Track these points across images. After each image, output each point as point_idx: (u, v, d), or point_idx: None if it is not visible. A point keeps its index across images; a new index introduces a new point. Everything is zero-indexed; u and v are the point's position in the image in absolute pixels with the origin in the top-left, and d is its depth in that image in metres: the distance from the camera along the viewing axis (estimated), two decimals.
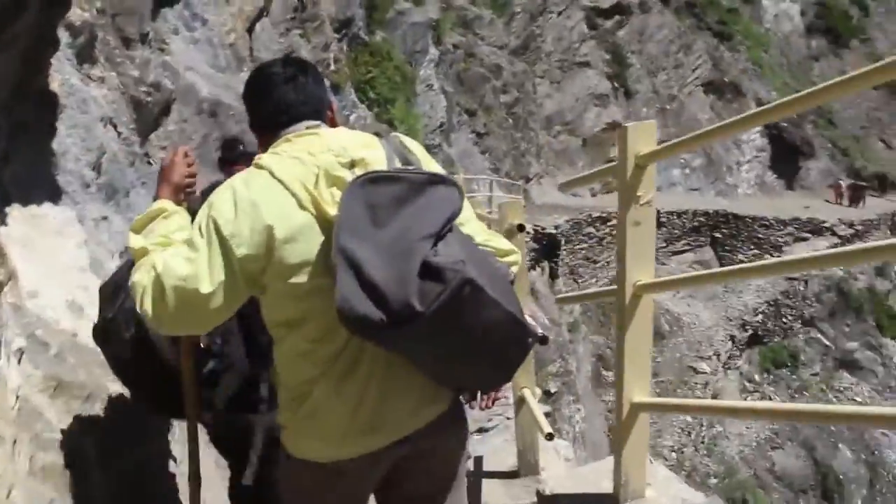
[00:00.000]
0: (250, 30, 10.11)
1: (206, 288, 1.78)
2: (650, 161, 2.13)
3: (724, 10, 34.27)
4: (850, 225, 28.87)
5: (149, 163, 5.07)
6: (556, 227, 22.39)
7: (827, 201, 31.42)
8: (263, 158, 1.90)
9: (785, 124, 32.49)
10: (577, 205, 25.88)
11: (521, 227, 3.12)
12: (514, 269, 2.08)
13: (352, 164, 1.87)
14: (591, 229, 25.47)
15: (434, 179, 1.80)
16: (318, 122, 2.01)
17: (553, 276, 22.03)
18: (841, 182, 31.96)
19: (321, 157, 1.87)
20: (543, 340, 2.41)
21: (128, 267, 2.60)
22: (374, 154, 1.90)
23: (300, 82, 2.02)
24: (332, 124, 2.07)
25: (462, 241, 1.79)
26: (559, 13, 29.33)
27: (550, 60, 29.33)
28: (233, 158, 3.15)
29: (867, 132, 36.51)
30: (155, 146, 5.83)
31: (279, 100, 2.00)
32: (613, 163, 2.21)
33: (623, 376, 2.23)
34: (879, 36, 40.84)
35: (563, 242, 22.89)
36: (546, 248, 20.96)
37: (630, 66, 30.98)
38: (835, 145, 33.91)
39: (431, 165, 1.99)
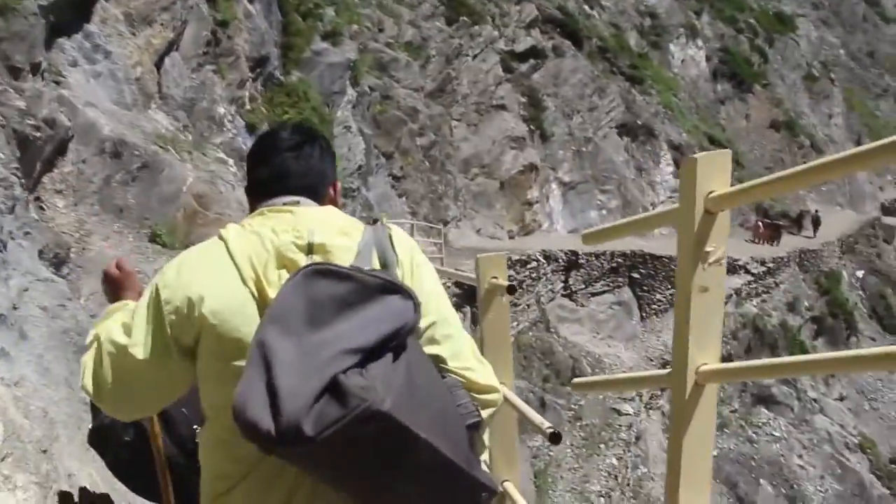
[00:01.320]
0: (159, 64, 9.35)
1: (140, 354, 1.69)
2: (726, 206, 1.60)
3: (635, 55, 35.00)
4: (762, 262, 29.55)
5: (41, 208, 4.33)
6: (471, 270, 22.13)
7: (747, 240, 32.10)
8: (228, 229, 1.77)
9: None
10: (495, 247, 25.67)
11: (510, 290, 2.51)
12: (488, 411, 1.77)
13: (310, 249, 1.72)
14: (510, 272, 25.24)
15: (389, 287, 1.58)
16: (296, 199, 1.84)
17: (475, 321, 21.68)
18: (760, 222, 32.77)
19: (281, 237, 1.72)
20: (554, 438, 2.00)
21: None
22: (341, 242, 1.73)
23: (305, 152, 1.90)
24: (332, 203, 1.92)
25: (410, 364, 1.53)
26: (474, 56, 29.31)
27: (467, 103, 29.22)
28: None
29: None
30: (49, 189, 5.07)
31: (278, 167, 1.88)
32: (674, 206, 1.68)
33: (678, 489, 1.67)
34: (778, 81, 42.53)
35: None
36: (468, 293, 20.58)
37: (546, 108, 31.17)
38: None
39: (417, 271, 1.78)
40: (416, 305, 1.58)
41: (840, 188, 39.55)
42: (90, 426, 2.78)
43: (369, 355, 1.47)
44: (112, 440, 2.65)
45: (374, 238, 1.74)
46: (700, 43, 38.81)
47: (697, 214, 1.64)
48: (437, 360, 1.70)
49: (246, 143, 11.89)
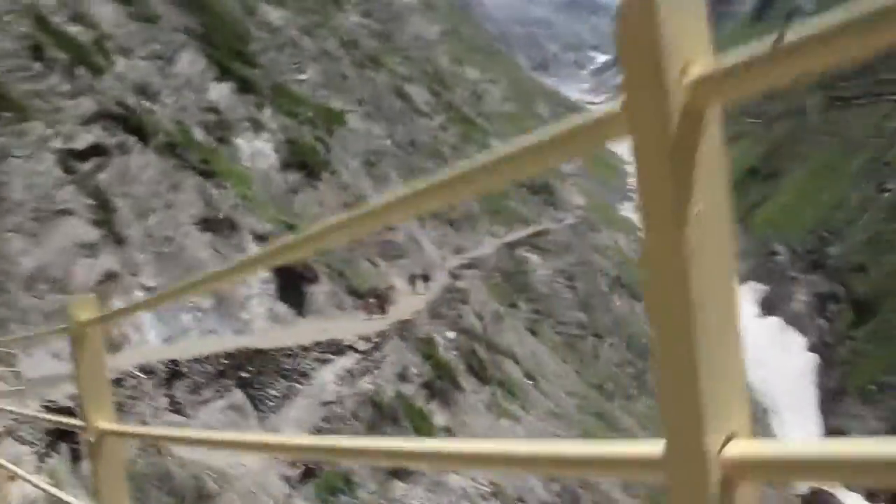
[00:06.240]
0: None
1: None
2: (719, 98, 0.71)
3: (205, 149, 33.75)
4: (368, 339, 29.70)
5: None
6: (73, 400, 18.96)
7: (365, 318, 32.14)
8: None
9: None
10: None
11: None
12: None
13: None
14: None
15: None
16: None
17: (76, 458, 18.43)
18: (370, 300, 33.28)
19: None
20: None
21: None
22: None
23: None
24: None
25: None
26: (26, 157, 25.56)
27: (23, 211, 25.28)
28: None
29: (354, 255, 38.67)
30: None
31: None
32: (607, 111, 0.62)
33: None
34: (343, 169, 44.39)
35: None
36: (61, 429, 17.18)
37: (117, 210, 28.28)
38: (331, 268, 35.08)
39: None
40: None
41: (415, 262, 42.08)
42: None
43: None
44: None
45: None
46: (266, 136, 38.91)
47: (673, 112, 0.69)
48: None
49: None
